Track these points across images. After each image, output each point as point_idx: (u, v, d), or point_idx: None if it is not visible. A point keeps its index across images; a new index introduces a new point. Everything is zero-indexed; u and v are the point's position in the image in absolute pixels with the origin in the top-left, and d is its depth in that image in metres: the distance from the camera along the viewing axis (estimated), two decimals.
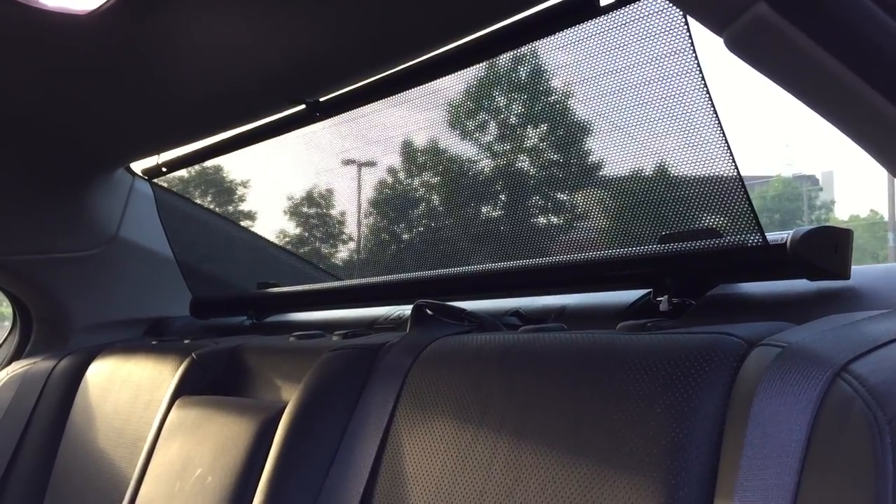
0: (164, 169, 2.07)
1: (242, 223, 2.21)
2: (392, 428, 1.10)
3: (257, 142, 1.77)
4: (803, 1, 0.51)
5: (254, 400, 1.44)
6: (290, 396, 1.29)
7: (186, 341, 1.81)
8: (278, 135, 1.71)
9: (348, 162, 1.69)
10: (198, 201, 2.23)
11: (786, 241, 0.95)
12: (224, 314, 2.14)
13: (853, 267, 0.97)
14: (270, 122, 1.70)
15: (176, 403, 1.53)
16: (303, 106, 1.57)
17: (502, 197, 1.45)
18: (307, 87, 1.52)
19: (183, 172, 2.14)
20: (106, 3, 1.20)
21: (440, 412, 1.04)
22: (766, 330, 0.81)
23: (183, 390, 1.57)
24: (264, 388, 1.46)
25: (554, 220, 1.35)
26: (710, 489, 0.73)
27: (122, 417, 1.72)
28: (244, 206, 2.20)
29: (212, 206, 2.24)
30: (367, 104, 1.49)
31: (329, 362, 1.28)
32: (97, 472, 1.70)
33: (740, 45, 0.57)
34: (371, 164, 1.67)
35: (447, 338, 1.15)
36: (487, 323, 1.23)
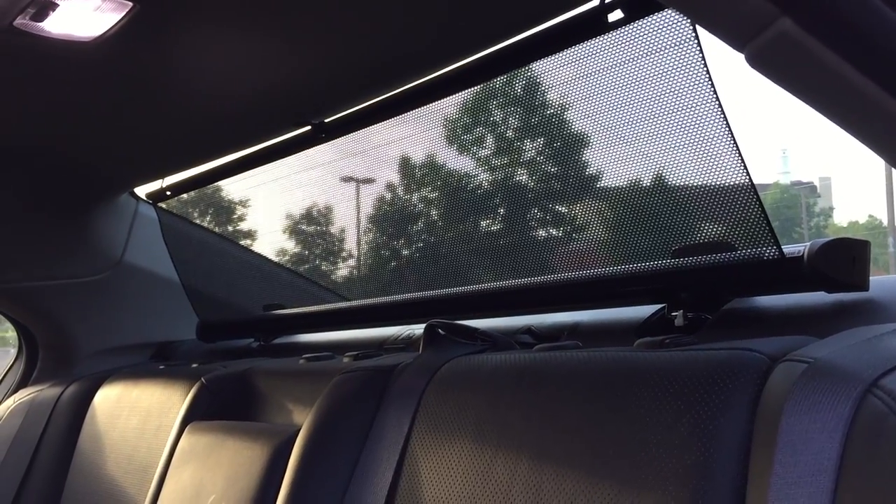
0: (168, 192, 2.06)
1: (248, 245, 2.20)
2: (408, 451, 1.09)
3: (262, 164, 1.76)
4: (829, 16, 0.51)
5: (266, 424, 1.42)
6: (303, 420, 1.27)
7: (194, 365, 1.80)
8: (283, 156, 1.71)
9: (354, 181, 1.68)
10: (202, 223, 2.23)
11: (803, 254, 0.94)
12: (231, 337, 2.13)
13: (871, 278, 0.96)
14: (275, 144, 1.69)
15: (186, 429, 1.52)
16: (308, 127, 1.57)
17: (512, 214, 1.44)
18: (312, 108, 1.51)
19: (187, 195, 2.13)
20: (110, 29, 1.20)
21: (457, 434, 1.03)
22: (789, 344, 0.80)
23: (193, 415, 1.56)
24: (276, 412, 1.45)
25: (566, 236, 1.34)
26: None
27: (131, 444, 1.70)
28: (249, 228, 2.20)
29: (216, 229, 2.23)
30: (372, 124, 1.48)
31: (342, 384, 1.26)
32: (107, 501, 1.68)
33: (762, 62, 0.56)
34: (377, 183, 1.66)
35: (461, 358, 1.14)
36: (501, 342, 1.21)
